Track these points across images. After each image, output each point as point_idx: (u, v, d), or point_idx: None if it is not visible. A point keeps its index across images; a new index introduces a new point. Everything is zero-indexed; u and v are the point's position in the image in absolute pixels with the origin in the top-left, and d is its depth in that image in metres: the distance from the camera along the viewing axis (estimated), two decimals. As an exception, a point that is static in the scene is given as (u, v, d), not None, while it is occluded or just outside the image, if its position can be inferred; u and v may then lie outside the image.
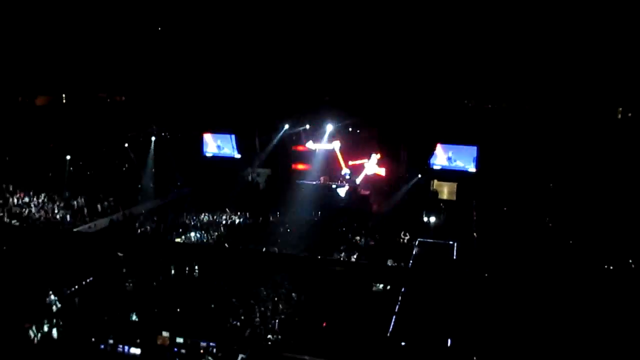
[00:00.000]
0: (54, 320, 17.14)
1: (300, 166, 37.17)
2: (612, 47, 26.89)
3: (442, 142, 33.76)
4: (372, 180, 35.56)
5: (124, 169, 33.75)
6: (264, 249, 24.65)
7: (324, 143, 35.89)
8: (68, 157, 30.72)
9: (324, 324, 18.38)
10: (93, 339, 16.11)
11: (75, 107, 34.85)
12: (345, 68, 31.52)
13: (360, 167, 35.64)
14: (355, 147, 35.79)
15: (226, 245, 27.06)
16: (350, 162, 35.83)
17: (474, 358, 15.50)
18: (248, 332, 17.51)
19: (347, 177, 35.81)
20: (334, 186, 35.62)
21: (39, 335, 16.43)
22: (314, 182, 36.46)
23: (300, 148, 37.08)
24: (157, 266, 22.24)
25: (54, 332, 16.74)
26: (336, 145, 35.75)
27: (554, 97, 31.54)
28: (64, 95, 34.87)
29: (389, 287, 20.86)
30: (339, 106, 34.25)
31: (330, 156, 36.18)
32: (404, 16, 28.80)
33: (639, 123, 30.89)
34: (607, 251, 22.84)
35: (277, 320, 18.22)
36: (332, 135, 35.69)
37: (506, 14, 27.48)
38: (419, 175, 34.11)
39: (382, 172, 35.28)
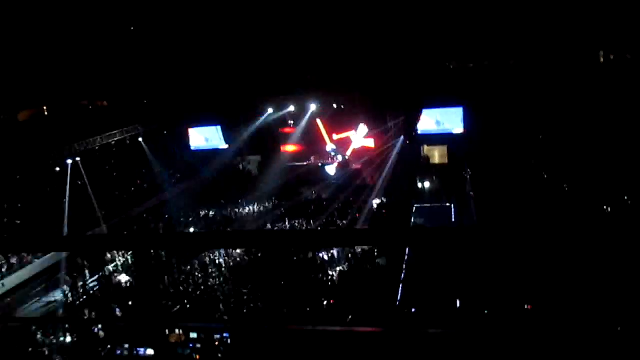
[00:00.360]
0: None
1: (290, 147, 37.10)
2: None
3: (428, 107, 33.65)
4: (361, 153, 35.57)
5: (114, 174, 33.55)
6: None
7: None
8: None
9: (332, 301, 18.59)
10: (109, 346, 16.24)
11: (58, 117, 34.53)
12: (323, 44, 31.31)
13: (347, 141, 35.61)
14: (340, 122, 35.59)
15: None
16: (336, 137, 35.75)
17: (485, 312, 15.72)
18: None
19: (333, 153, 35.79)
20: (320, 164, 35.66)
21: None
22: (305, 164, 36.51)
23: (287, 130, 37.00)
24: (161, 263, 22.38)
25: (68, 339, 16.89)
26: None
27: (535, 47, 31.48)
28: (45, 108, 34.53)
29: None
30: (322, 83, 34.08)
31: (318, 135, 36.13)
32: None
33: (622, 65, 30.95)
34: (602, 193, 23.09)
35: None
36: (314, 114, 35.50)
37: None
38: (407, 142, 34.07)
39: (370, 143, 35.25)
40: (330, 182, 34.42)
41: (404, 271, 20.51)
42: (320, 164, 35.72)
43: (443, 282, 18.31)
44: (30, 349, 16.15)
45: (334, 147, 35.84)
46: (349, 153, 35.66)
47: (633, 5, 27.53)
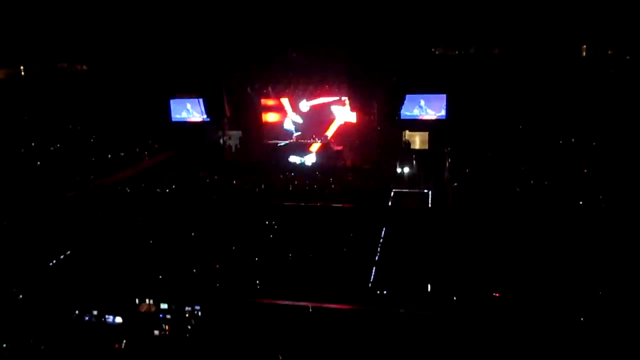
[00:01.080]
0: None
1: (272, 116, 36.85)
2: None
3: (411, 92, 33.69)
4: (342, 134, 35.57)
5: (92, 139, 32.96)
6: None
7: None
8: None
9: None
10: (77, 311, 16.09)
11: (35, 79, 33.78)
12: (309, 18, 30.97)
13: (325, 116, 35.46)
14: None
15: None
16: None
17: (454, 298, 15.92)
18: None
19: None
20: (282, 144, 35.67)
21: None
22: (286, 142, 36.39)
23: (269, 102, 36.79)
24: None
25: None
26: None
27: (520, 38, 31.64)
28: (22, 68, 33.70)
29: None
30: (305, 54, 33.72)
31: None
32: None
33: (604, 60, 31.33)
34: (580, 188, 23.42)
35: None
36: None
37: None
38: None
39: (353, 118, 35.16)
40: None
41: (377, 254, 20.61)
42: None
43: (416, 266, 18.52)
44: None
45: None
46: (332, 131, 35.56)
47: (616, 2, 27.86)
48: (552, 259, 17.02)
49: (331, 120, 35.68)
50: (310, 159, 34.89)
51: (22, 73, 33.53)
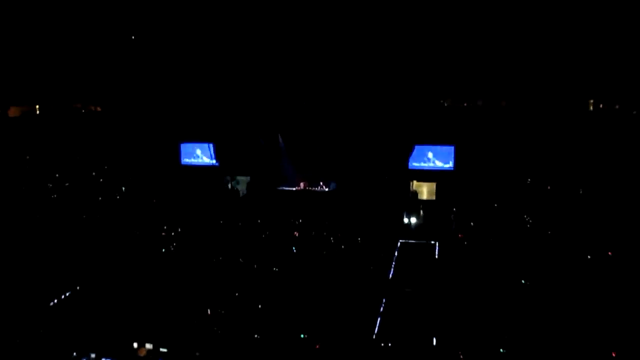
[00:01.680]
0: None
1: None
2: (581, 42, 27.40)
3: (420, 143, 33.91)
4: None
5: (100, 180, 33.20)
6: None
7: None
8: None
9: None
10: (75, 354, 15.83)
11: (49, 118, 34.36)
12: (321, 72, 31.55)
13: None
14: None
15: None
16: None
17: (460, 354, 15.55)
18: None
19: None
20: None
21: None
22: (294, 189, 36.47)
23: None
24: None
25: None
26: None
27: (528, 91, 31.98)
28: (37, 107, 34.31)
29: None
30: (316, 110, 34.25)
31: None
32: (378, 17, 28.97)
33: (610, 114, 31.53)
34: (586, 242, 23.18)
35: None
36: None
37: (478, 12, 27.83)
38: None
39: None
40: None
41: (382, 304, 20.32)
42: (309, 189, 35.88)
43: (422, 319, 18.21)
44: None
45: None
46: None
47: (622, 57, 28.23)
48: (559, 311, 16.72)
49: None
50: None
51: (37, 112, 34.15)
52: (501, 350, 15.55)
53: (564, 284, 18.84)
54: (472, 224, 28.50)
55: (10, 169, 30.75)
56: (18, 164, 31.56)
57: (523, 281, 19.68)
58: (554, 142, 30.31)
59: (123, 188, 34.08)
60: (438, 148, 34.03)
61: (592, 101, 32.15)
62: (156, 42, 31.87)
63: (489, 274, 20.83)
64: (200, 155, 38.25)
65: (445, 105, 35.59)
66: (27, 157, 31.53)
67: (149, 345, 16.08)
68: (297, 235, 29.63)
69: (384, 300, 20.51)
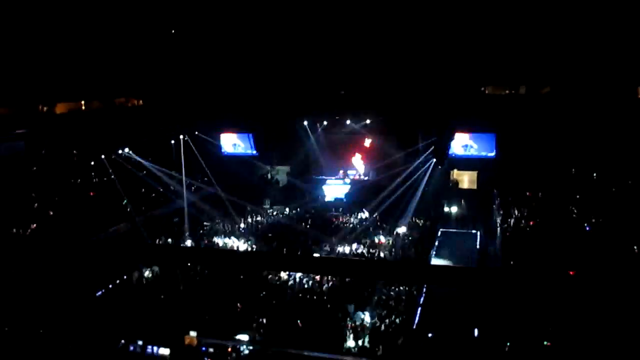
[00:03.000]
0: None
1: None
2: (628, 25, 26.31)
3: (460, 131, 33.32)
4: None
5: (144, 172, 33.83)
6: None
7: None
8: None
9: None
10: (122, 341, 16.34)
11: (94, 113, 35.25)
12: (360, 60, 31.29)
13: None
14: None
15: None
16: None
17: (507, 344, 15.33)
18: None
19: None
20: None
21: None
22: (333, 178, 36.53)
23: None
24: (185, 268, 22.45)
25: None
26: None
27: (572, 78, 30.98)
28: (82, 102, 35.23)
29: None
30: (355, 99, 34.09)
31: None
32: (418, 4, 28.57)
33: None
34: (633, 233, 22.47)
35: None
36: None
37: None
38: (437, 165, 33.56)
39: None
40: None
41: (423, 295, 20.21)
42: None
43: (462, 310, 18.03)
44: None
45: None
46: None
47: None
48: (606, 309, 16.27)
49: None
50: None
51: (82, 107, 35.04)
52: (545, 342, 15.33)
53: (612, 277, 18.33)
54: (516, 213, 28.00)
55: (60, 165, 31.73)
56: (67, 160, 32.52)
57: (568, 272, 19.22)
58: (599, 131, 29.28)
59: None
60: (479, 136, 33.47)
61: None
62: (196, 36, 32.18)
63: (532, 264, 20.46)
64: (239, 144, 38.68)
65: (487, 92, 34.90)
66: (75, 152, 32.45)
67: (193, 334, 16.45)
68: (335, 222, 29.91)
69: (424, 291, 20.41)
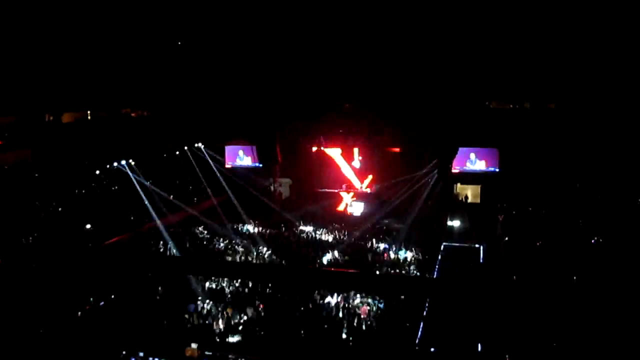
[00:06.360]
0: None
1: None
2: (635, 40, 26.37)
3: (464, 145, 33.37)
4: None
5: (149, 182, 33.89)
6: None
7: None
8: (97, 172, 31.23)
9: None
10: (124, 352, 16.30)
11: (101, 123, 35.48)
12: (364, 73, 31.40)
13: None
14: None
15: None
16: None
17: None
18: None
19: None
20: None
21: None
22: (337, 190, 36.52)
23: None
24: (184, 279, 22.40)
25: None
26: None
27: (577, 94, 31.04)
28: (88, 112, 35.49)
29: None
30: (359, 112, 34.16)
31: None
32: (421, 17, 28.69)
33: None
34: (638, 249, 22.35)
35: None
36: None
37: (526, 12, 27.21)
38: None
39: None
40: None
41: (426, 308, 20.10)
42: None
43: (466, 324, 17.93)
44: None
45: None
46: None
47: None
48: (612, 319, 16.15)
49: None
50: (358, 209, 35.02)
51: (89, 117, 35.33)
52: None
53: (618, 292, 18.22)
54: (518, 227, 27.90)
55: (68, 173, 31.82)
56: (75, 168, 32.60)
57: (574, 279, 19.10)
58: (604, 147, 29.26)
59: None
60: (483, 150, 33.49)
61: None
62: (200, 47, 32.43)
63: (536, 279, 20.37)
64: (243, 156, 38.80)
65: (491, 107, 34.97)
66: (86, 162, 32.49)
67: (194, 346, 16.40)
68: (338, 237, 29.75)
69: (426, 304, 20.30)
